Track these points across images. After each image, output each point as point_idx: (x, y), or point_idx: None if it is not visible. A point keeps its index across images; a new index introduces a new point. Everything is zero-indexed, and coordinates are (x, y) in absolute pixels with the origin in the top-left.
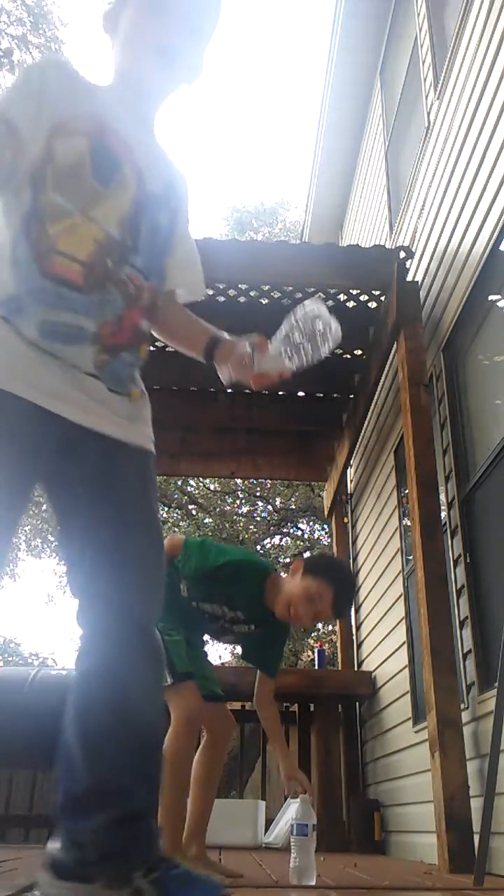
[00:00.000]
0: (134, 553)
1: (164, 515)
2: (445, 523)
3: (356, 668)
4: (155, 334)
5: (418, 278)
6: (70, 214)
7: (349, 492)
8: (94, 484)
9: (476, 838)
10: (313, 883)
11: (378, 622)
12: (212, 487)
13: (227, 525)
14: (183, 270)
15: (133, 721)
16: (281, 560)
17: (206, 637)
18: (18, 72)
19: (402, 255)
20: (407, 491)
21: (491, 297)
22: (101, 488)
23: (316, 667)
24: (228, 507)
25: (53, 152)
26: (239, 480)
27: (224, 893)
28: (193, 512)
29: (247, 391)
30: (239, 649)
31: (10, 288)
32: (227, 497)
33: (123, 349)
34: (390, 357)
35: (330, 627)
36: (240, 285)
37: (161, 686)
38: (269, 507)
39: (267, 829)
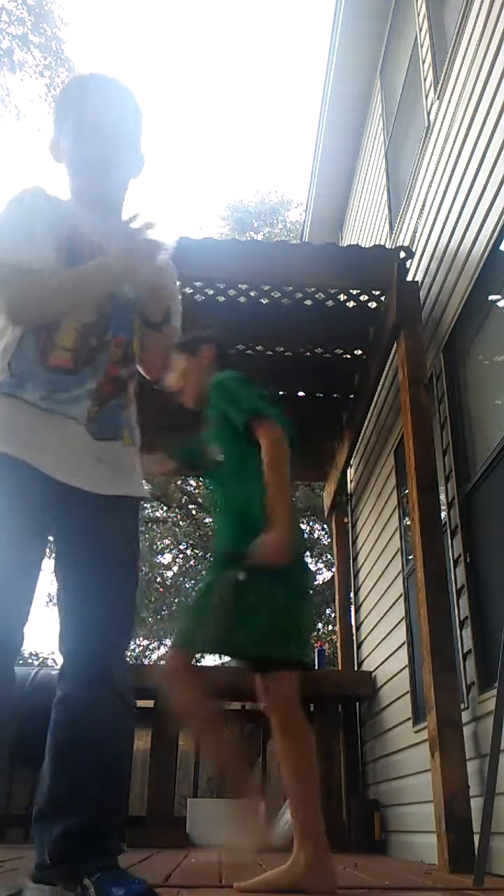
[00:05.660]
0: (106, 600)
1: (165, 515)
2: (445, 523)
3: (356, 668)
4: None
5: (418, 278)
6: None
7: (349, 492)
8: (79, 536)
9: (476, 838)
10: None
11: (378, 622)
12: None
13: None
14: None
15: (94, 742)
16: None
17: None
18: (9, 205)
19: (402, 255)
20: (407, 491)
21: (491, 297)
22: (84, 541)
23: (315, 667)
24: None
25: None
26: None
27: (146, 890)
28: (193, 512)
29: None
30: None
31: (11, 371)
32: None
33: (111, 398)
34: (390, 357)
35: (330, 627)
36: (240, 285)
37: (121, 713)
38: None
39: None
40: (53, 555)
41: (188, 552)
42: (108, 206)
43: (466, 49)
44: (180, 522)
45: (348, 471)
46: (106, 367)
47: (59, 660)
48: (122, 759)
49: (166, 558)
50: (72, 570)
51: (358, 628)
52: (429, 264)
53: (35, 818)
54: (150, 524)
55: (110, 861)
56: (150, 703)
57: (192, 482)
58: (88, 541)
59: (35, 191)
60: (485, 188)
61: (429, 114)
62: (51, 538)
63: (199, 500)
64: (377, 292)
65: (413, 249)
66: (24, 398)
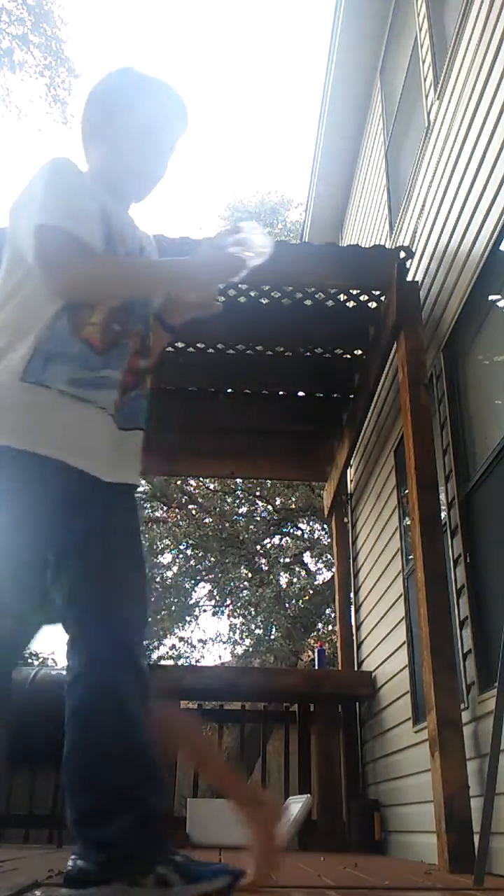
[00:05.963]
0: (125, 590)
1: (165, 515)
2: (445, 523)
3: (356, 668)
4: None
5: (418, 278)
6: None
7: (349, 492)
8: (94, 531)
9: (476, 838)
10: None
11: (378, 622)
12: (211, 487)
13: (226, 525)
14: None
15: (132, 730)
16: (281, 560)
17: None
18: (57, 176)
19: (402, 255)
20: (407, 491)
21: (491, 297)
22: (100, 533)
23: (316, 667)
24: (228, 507)
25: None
26: (239, 480)
27: (234, 871)
28: (193, 512)
29: (247, 391)
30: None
31: (36, 348)
32: (226, 497)
33: (133, 388)
34: (390, 357)
35: (330, 627)
36: (240, 285)
37: (147, 698)
38: (269, 507)
39: None
40: (56, 559)
41: (188, 552)
42: (123, 200)
43: (466, 49)
44: (180, 522)
45: (348, 471)
46: (129, 355)
47: (62, 658)
48: (153, 740)
49: (166, 558)
50: (94, 560)
51: (358, 628)
52: (429, 264)
53: (87, 820)
54: (150, 524)
55: (171, 845)
56: None
57: (192, 482)
58: (108, 529)
59: (71, 163)
60: (485, 188)
61: (429, 114)
62: (57, 533)
63: (200, 500)
64: (377, 292)
65: (413, 249)
66: (50, 385)
